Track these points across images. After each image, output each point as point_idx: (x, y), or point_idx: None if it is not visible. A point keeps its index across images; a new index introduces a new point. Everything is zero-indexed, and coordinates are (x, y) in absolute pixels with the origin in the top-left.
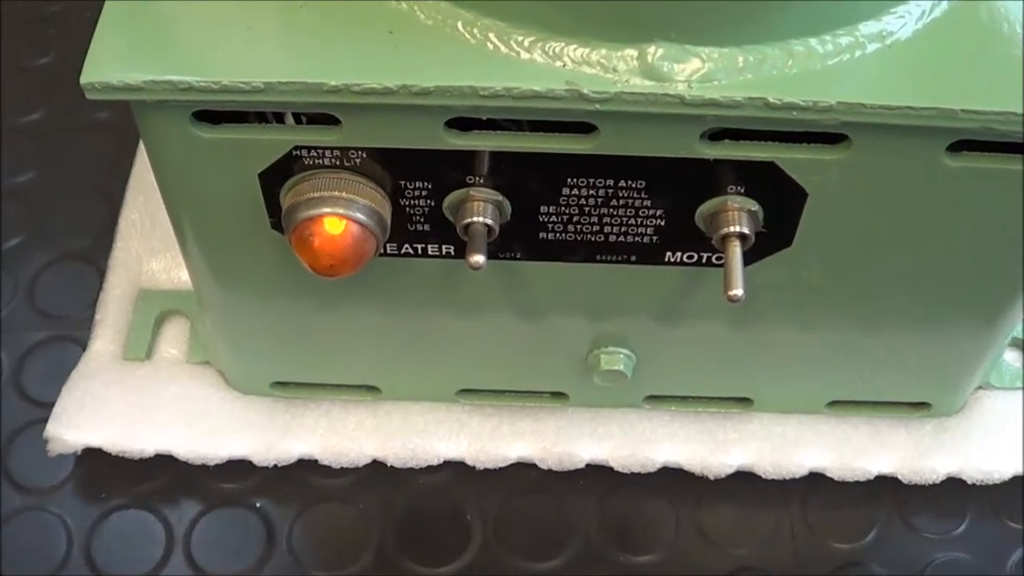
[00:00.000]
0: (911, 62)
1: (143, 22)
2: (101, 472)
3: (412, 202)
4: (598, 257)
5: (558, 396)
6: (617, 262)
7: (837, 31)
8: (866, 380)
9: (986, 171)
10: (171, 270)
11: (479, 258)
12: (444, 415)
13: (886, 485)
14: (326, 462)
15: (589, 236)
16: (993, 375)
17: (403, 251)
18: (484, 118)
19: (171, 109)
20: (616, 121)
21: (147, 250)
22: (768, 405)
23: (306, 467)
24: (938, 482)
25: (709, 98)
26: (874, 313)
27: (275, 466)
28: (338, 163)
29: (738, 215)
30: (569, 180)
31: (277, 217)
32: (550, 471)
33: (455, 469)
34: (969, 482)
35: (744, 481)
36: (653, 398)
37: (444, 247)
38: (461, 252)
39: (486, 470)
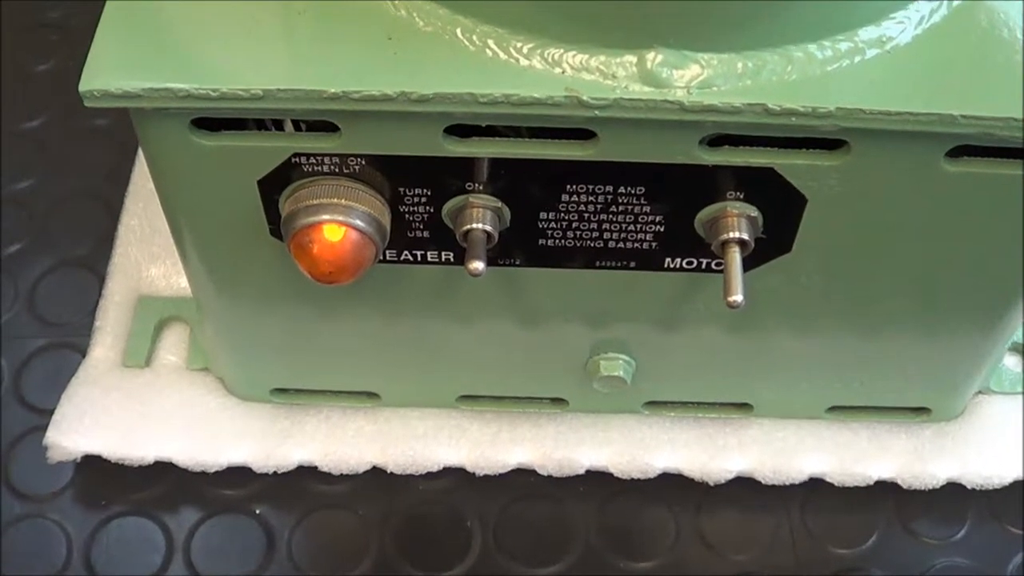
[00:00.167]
0: (910, 68)
1: (142, 29)
2: (101, 479)
3: (411, 209)
4: (598, 263)
5: (558, 402)
6: (617, 268)
7: (836, 37)
8: (866, 385)
9: (986, 176)
10: (170, 276)
11: (478, 265)
12: (444, 421)
13: (886, 490)
14: (326, 469)
15: (589, 242)
16: (993, 380)
17: (402, 258)
18: (483, 125)
19: (170, 116)
20: (615, 127)
21: (147, 257)
22: (768, 410)
23: (306, 474)
24: (938, 487)
25: (708, 104)
26: (874, 318)
27: (275, 473)
28: (337, 170)
29: (737, 221)
30: (568, 186)
31: (276, 224)
32: (550, 477)
33: (455, 475)
34: (969, 487)
35: (744, 487)
36: (653, 404)
37: (443, 254)
38: (460, 259)
39: (486, 476)
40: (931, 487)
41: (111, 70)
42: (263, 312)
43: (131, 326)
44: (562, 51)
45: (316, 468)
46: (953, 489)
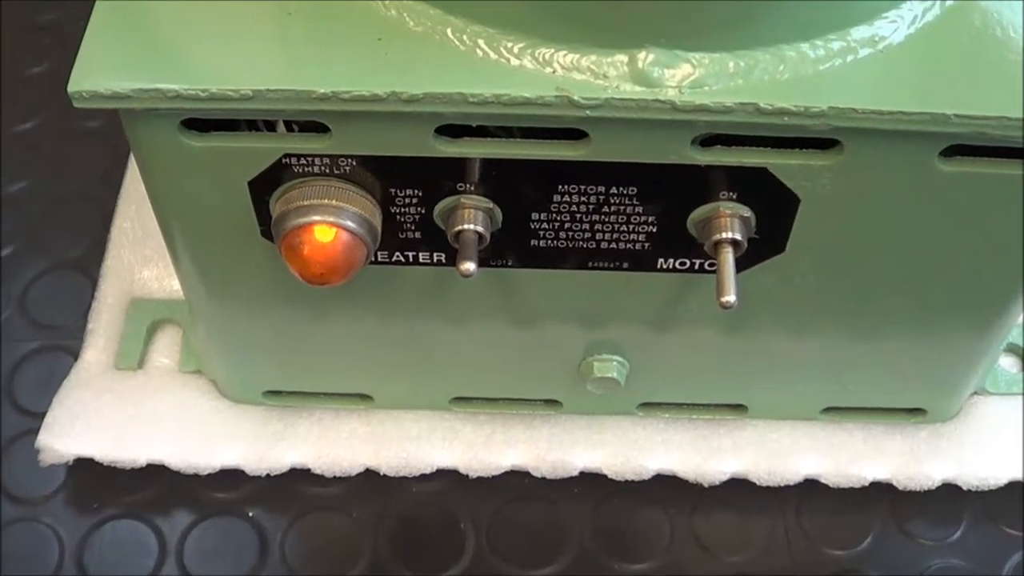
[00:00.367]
0: (903, 67)
1: (131, 30)
2: (93, 482)
3: (403, 210)
4: (590, 264)
5: (551, 404)
6: (609, 269)
7: (829, 36)
8: (861, 386)
9: (980, 176)
10: (163, 279)
11: (470, 266)
12: (437, 423)
13: (881, 491)
14: (319, 471)
15: (581, 243)
16: (988, 380)
17: (394, 259)
18: (474, 125)
19: (160, 117)
20: (607, 127)
21: (139, 259)
22: (762, 412)
23: (299, 476)
24: (933, 488)
25: (700, 104)
26: (868, 319)
27: (268, 475)
28: (328, 171)
29: (730, 221)
30: (560, 187)
31: (267, 225)
32: (544, 479)
33: (448, 477)
34: (965, 488)
35: (739, 488)
36: (647, 405)
37: (435, 255)
38: (452, 260)
39: (479, 478)
40: (927, 488)
41: (100, 71)
42: (255, 314)
43: (123, 329)
44: (553, 51)
45: (309, 470)
46: (949, 490)
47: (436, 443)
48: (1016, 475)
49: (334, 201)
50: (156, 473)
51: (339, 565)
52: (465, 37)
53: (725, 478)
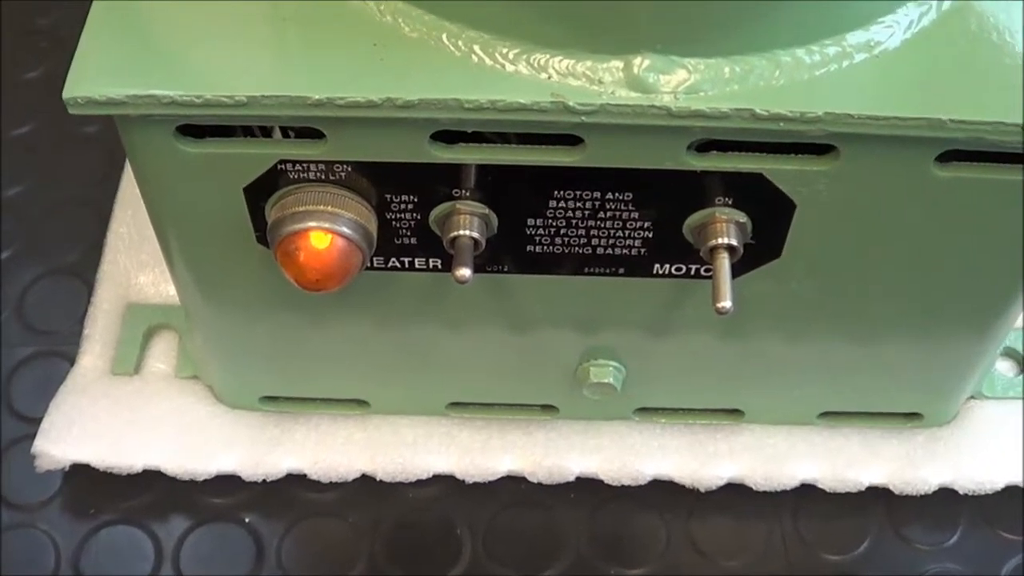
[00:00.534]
0: (899, 72)
1: (127, 36)
2: (89, 488)
3: (398, 216)
4: (586, 270)
5: (548, 409)
6: (605, 275)
7: (824, 41)
8: (857, 391)
9: (976, 181)
10: (159, 284)
11: (465, 272)
12: (434, 429)
13: (878, 496)
14: (315, 477)
15: (577, 249)
16: (985, 385)
17: (390, 265)
18: (469, 131)
19: (155, 123)
20: (602, 133)
21: (135, 264)
22: (759, 417)
23: (295, 482)
24: (930, 493)
25: (695, 109)
26: (865, 324)
27: (264, 481)
28: (323, 177)
29: (726, 227)
30: (556, 193)
31: (263, 231)
32: (540, 484)
33: (445, 483)
34: (961, 492)
35: (735, 493)
36: (643, 410)
37: (431, 260)
38: (448, 265)
39: (476, 484)
40: (923, 493)
41: (95, 77)
42: (251, 320)
43: (120, 334)
44: (548, 56)
45: (305, 476)
46: (945, 495)
47: (432, 448)
48: (1013, 479)
49: (329, 207)
50: (152, 479)
51: (335, 571)
52: (460, 43)
53: (722, 483)
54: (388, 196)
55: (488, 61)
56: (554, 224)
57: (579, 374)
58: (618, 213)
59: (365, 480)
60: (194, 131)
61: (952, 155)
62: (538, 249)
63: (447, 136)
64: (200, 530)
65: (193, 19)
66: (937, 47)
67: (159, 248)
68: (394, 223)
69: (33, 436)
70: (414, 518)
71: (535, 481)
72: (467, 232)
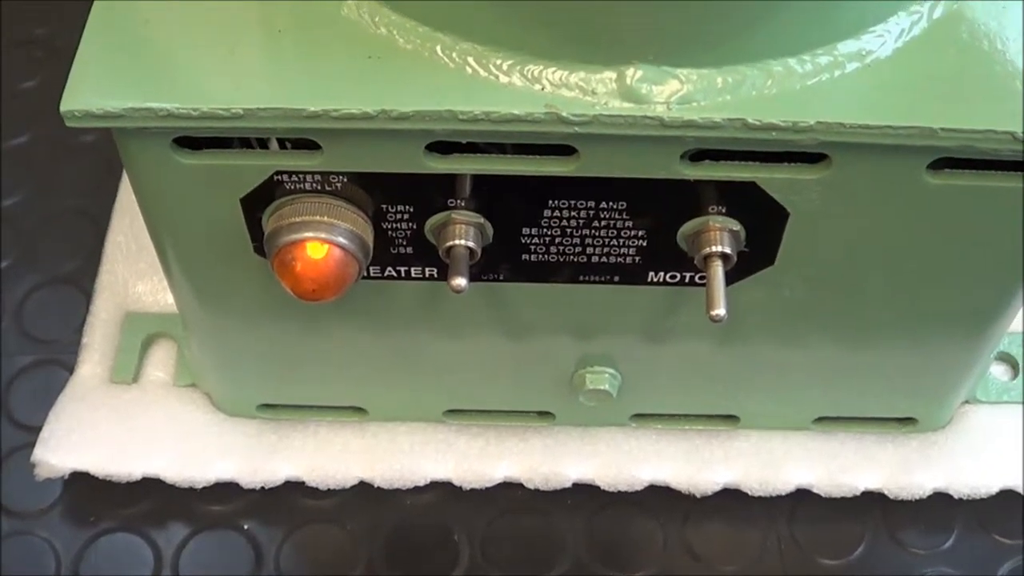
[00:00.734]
0: (890, 81)
1: (123, 48)
2: (89, 496)
3: (394, 225)
4: (581, 278)
5: (544, 415)
6: (600, 283)
7: (816, 51)
8: (852, 396)
9: (968, 188)
10: (157, 293)
11: (461, 281)
12: (431, 435)
13: (873, 501)
14: (313, 484)
15: (572, 257)
16: (979, 389)
17: (386, 274)
18: (464, 142)
19: (152, 135)
20: (596, 143)
21: (133, 273)
22: (755, 422)
23: (293, 489)
24: (925, 497)
25: (688, 119)
26: (859, 330)
27: (262, 488)
28: (319, 187)
29: (719, 235)
30: (550, 202)
31: (260, 242)
32: (537, 490)
33: (442, 489)
34: (956, 497)
35: (731, 498)
36: (639, 416)
37: (427, 269)
38: (444, 274)
39: (473, 490)
40: (918, 497)
41: (92, 90)
42: (249, 328)
43: (118, 343)
44: (542, 68)
45: (303, 483)
46: (940, 499)
47: (430, 455)
48: (1008, 483)
49: (326, 217)
50: (151, 486)
51: None
52: (455, 54)
53: (718, 488)
54: (384, 206)
55: (482, 72)
56: (549, 233)
57: (575, 381)
58: (612, 222)
59: (363, 487)
60: (191, 143)
61: (944, 163)
62: (533, 258)
63: (442, 147)
64: (199, 537)
65: (189, 31)
66: (928, 56)
67: (157, 257)
68: (390, 233)
69: (32, 444)
70: (412, 524)
71: (532, 487)
72: (462, 242)
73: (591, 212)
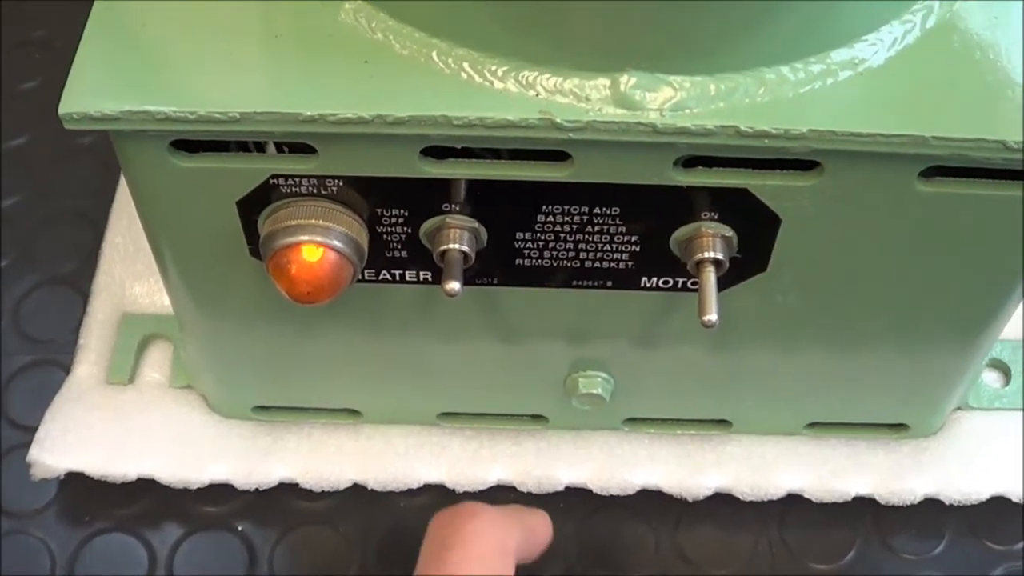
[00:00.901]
0: (883, 89)
1: (122, 52)
2: (84, 496)
3: (389, 229)
4: (575, 283)
5: (538, 419)
6: (594, 287)
7: (809, 59)
8: (844, 402)
9: (959, 196)
10: (154, 294)
11: (454, 285)
12: (425, 438)
13: (864, 506)
14: (307, 485)
15: (565, 262)
16: (971, 396)
17: (381, 277)
18: (459, 147)
19: (149, 138)
20: (589, 149)
21: (130, 274)
22: (747, 427)
23: (287, 490)
24: (916, 503)
25: (681, 126)
26: (851, 336)
27: (256, 489)
28: (315, 191)
29: (712, 241)
30: (544, 207)
31: (256, 244)
32: (530, 494)
33: (435, 492)
34: (947, 503)
35: (723, 503)
36: (632, 421)
37: (422, 273)
38: (439, 278)
39: (466, 493)
40: (909, 503)
41: (90, 93)
42: (244, 331)
43: (115, 344)
44: (536, 74)
45: (297, 485)
46: (931, 505)
47: (423, 458)
48: (999, 490)
49: (321, 221)
50: (146, 487)
51: None
52: (450, 60)
53: (709, 493)
54: (379, 210)
55: (477, 78)
56: (543, 238)
57: (568, 385)
58: (606, 227)
59: (357, 489)
60: (188, 146)
61: (936, 171)
62: (527, 262)
63: (437, 151)
64: (193, 538)
65: (188, 35)
66: (921, 65)
67: (154, 259)
68: (385, 236)
69: (28, 445)
70: (405, 527)
71: (525, 491)
72: (456, 246)
73: (584, 217)
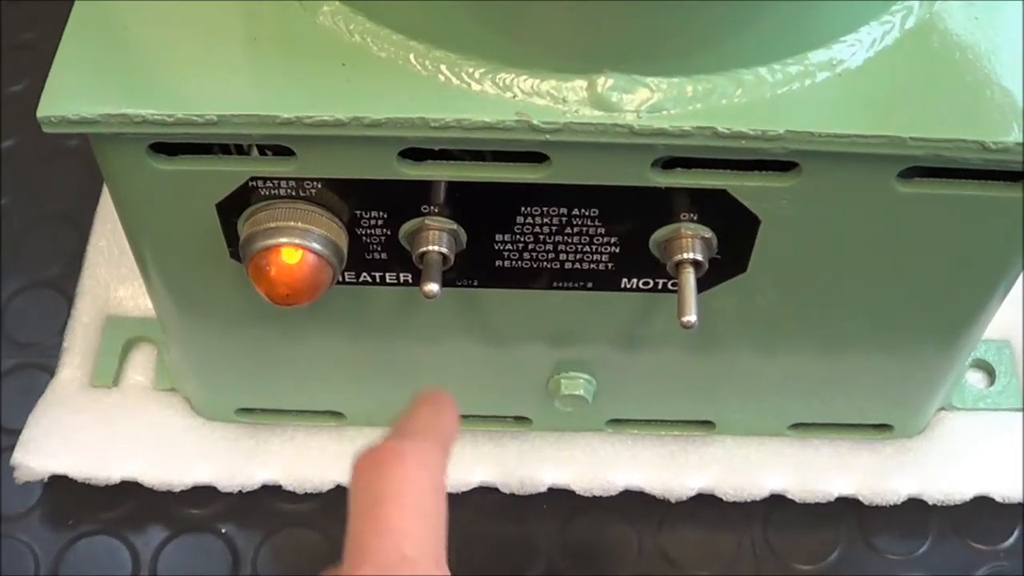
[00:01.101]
0: (861, 90)
1: (101, 55)
2: (68, 499)
3: (368, 231)
4: (555, 284)
5: (521, 420)
6: (574, 289)
7: (786, 60)
8: (827, 403)
9: (938, 197)
10: (138, 297)
11: (433, 287)
12: None
13: (848, 506)
14: (290, 487)
15: (545, 263)
16: (955, 396)
17: (361, 279)
18: (437, 148)
19: (128, 141)
20: (567, 151)
21: (115, 277)
22: (730, 428)
23: (271, 493)
24: (900, 503)
25: (658, 128)
26: (833, 337)
27: (240, 492)
28: (294, 193)
29: (691, 242)
30: (523, 209)
31: (235, 247)
32: (512, 495)
33: None
34: (930, 503)
35: (706, 503)
36: (615, 422)
37: (402, 275)
38: (419, 280)
39: (448, 494)
40: (893, 503)
41: (69, 95)
42: (226, 333)
43: (99, 347)
44: (513, 76)
45: (281, 487)
46: (915, 505)
47: None
48: (982, 490)
49: (300, 223)
50: (130, 490)
51: None
52: (427, 62)
53: (692, 493)
54: (358, 212)
55: (455, 80)
56: (522, 239)
57: (551, 386)
58: (585, 229)
59: (340, 491)
60: (167, 148)
61: (914, 171)
62: (507, 264)
63: (415, 153)
64: (177, 540)
65: (166, 38)
66: (899, 65)
67: None
68: (364, 239)
69: (12, 448)
70: None
71: (507, 492)
72: (435, 247)
73: (563, 219)
